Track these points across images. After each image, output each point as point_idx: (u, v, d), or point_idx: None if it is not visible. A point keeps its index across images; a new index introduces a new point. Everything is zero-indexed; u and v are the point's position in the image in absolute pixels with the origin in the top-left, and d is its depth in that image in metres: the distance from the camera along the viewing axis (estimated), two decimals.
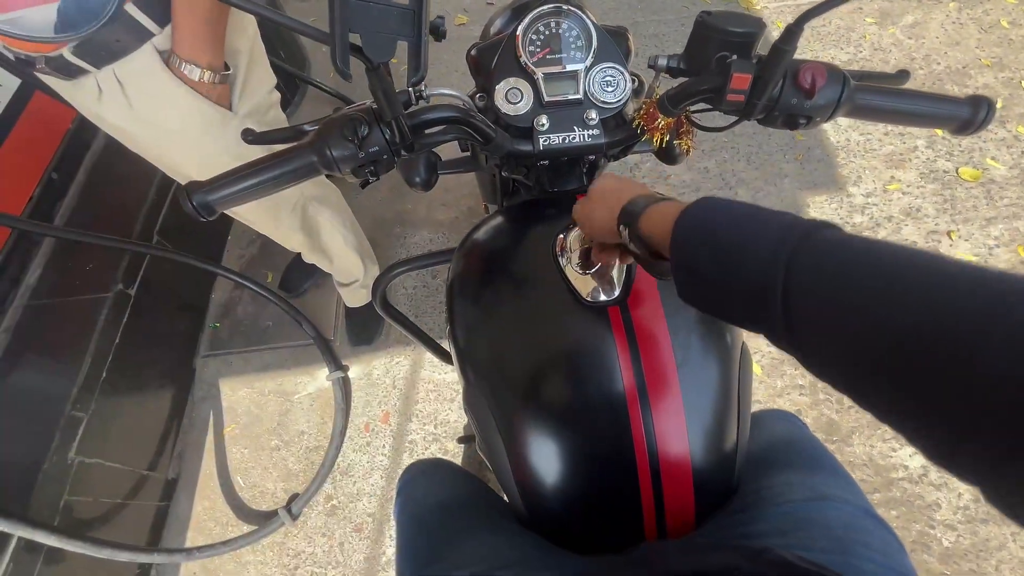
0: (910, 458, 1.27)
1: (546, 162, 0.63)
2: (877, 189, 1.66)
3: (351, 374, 1.51)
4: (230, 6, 0.35)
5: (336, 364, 1.46)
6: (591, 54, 0.59)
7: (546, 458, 0.53)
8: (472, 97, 0.63)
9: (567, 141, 0.58)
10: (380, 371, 1.51)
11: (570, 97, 0.59)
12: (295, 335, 1.53)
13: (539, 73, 0.59)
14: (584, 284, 0.53)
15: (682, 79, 0.53)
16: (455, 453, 1.37)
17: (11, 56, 0.75)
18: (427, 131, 0.52)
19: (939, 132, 1.76)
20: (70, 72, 0.77)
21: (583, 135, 0.58)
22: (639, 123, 0.56)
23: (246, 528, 1.33)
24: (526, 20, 0.60)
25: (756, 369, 1.41)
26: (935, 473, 1.24)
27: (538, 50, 0.60)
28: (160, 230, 1.49)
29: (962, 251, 1.52)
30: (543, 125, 0.58)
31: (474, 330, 0.59)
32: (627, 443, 0.50)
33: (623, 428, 0.50)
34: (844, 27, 2.07)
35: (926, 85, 1.88)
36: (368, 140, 0.47)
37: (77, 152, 1.47)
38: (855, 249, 0.30)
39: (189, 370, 1.55)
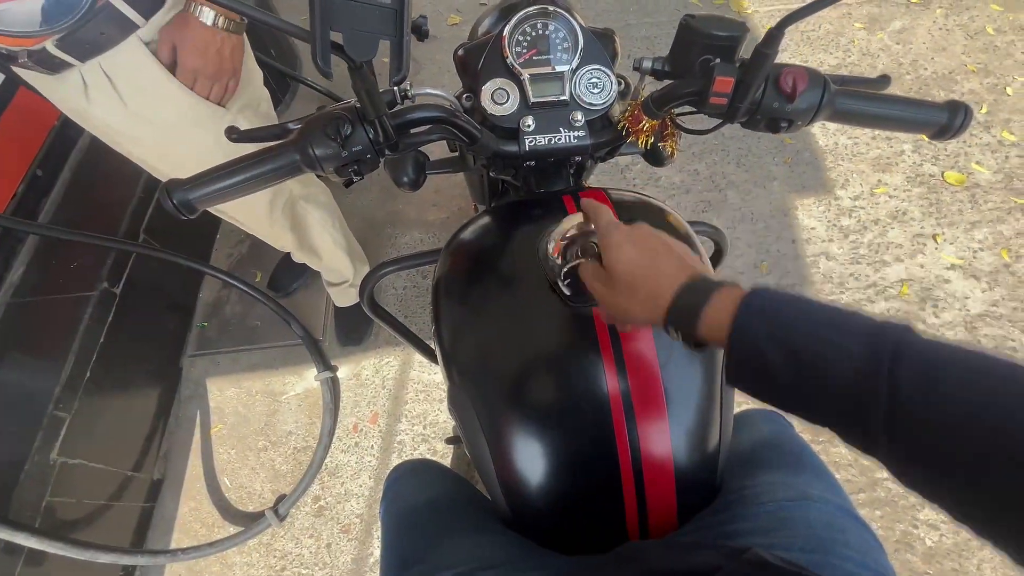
0: None
1: (532, 163, 0.63)
2: (864, 192, 1.68)
3: (340, 374, 1.50)
4: None
5: (324, 364, 1.45)
6: (577, 56, 0.60)
7: (529, 458, 0.53)
8: (459, 97, 0.63)
9: (553, 142, 0.58)
10: (369, 371, 1.50)
11: (556, 98, 0.59)
12: (283, 335, 1.52)
13: (525, 74, 0.59)
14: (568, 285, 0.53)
15: (666, 81, 0.53)
16: (444, 454, 1.36)
17: None
18: (412, 131, 0.52)
19: (924, 137, 1.78)
20: (53, 66, 0.75)
21: (569, 136, 0.58)
22: (624, 125, 0.56)
23: (232, 529, 1.32)
24: (513, 21, 0.60)
25: None
26: None
27: (525, 51, 0.60)
28: (147, 228, 1.47)
29: (947, 254, 1.54)
30: (529, 126, 0.58)
31: (459, 330, 0.59)
32: (610, 443, 0.50)
33: (606, 428, 0.50)
34: (833, 32, 2.10)
35: (913, 90, 1.90)
36: (351, 139, 0.47)
37: (63, 149, 1.45)
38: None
39: (176, 369, 1.54)
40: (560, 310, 0.53)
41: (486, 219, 0.65)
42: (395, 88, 0.55)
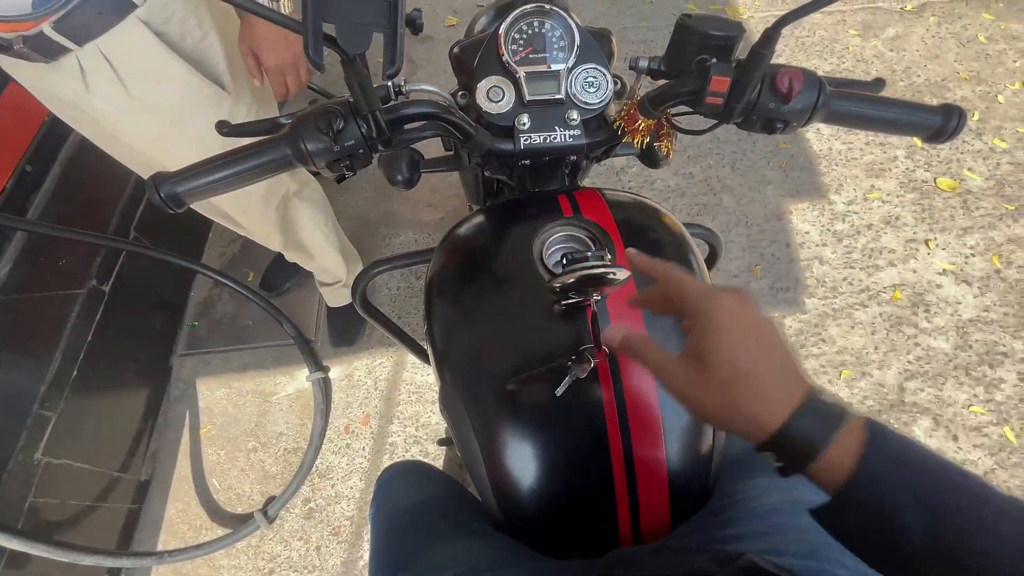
0: None
1: (527, 162, 0.62)
2: (858, 197, 1.69)
3: (332, 375, 1.48)
4: None
5: (316, 364, 1.44)
6: (574, 55, 0.59)
7: (521, 461, 0.52)
8: (454, 95, 0.62)
9: (548, 141, 0.58)
10: (362, 372, 1.49)
11: (552, 97, 0.58)
12: (275, 335, 1.50)
13: (521, 72, 0.58)
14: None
15: (663, 81, 0.53)
16: (436, 455, 1.35)
17: None
18: (405, 127, 0.51)
19: (917, 142, 1.79)
20: (50, 52, 0.73)
21: (564, 135, 0.58)
22: (620, 124, 0.56)
23: (220, 532, 1.31)
24: (509, 19, 0.59)
25: None
26: None
27: (521, 49, 0.60)
28: (137, 226, 1.46)
29: (939, 259, 1.55)
30: (524, 124, 0.58)
31: (451, 329, 0.59)
32: (603, 445, 0.49)
33: (599, 430, 0.49)
34: (828, 38, 2.11)
35: (906, 96, 1.92)
36: (344, 134, 0.46)
37: (53, 144, 1.43)
38: None
39: (165, 369, 1.52)
40: (554, 310, 0.52)
41: (480, 218, 0.65)
42: (389, 84, 0.54)
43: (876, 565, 0.32)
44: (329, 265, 1.33)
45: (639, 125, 0.54)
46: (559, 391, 0.46)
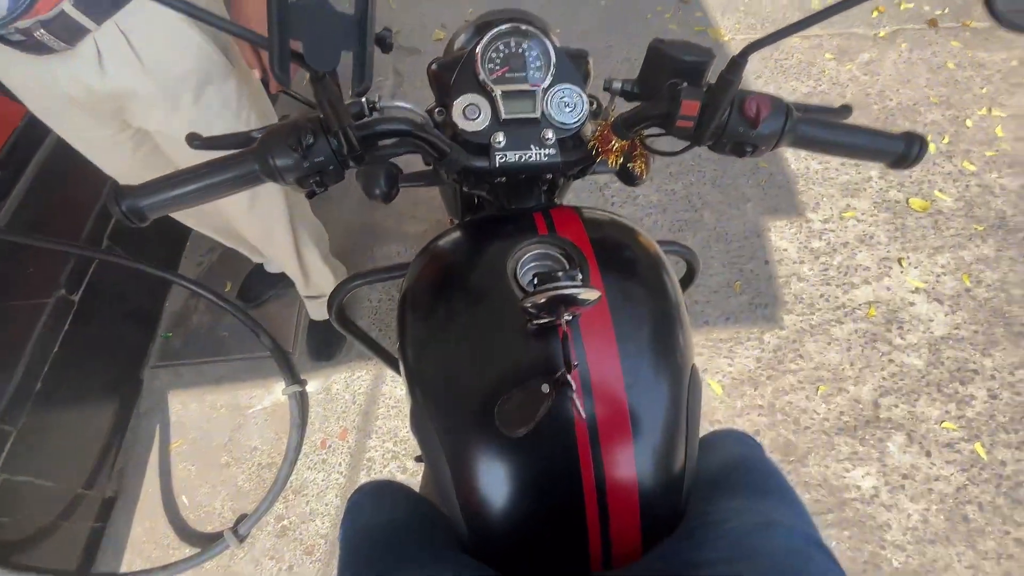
0: (862, 479, 1.30)
1: (503, 179, 0.62)
2: (834, 216, 1.73)
3: (309, 388, 1.46)
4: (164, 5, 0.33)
5: (293, 378, 1.41)
6: (550, 75, 0.60)
7: (491, 482, 0.51)
8: (431, 111, 0.62)
9: (523, 159, 0.58)
10: (340, 386, 1.47)
11: (528, 116, 0.59)
12: (252, 347, 1.47)
13: (497, 91, 0.59)
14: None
15: (636, 103, 0.53)
16: (414, 471, 1.33)
17: None
18: (379, 143, 0.51)
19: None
20: (71, 35, 0.73)
21: (539, 154, 0.58)
22: (594, 144, 0.56)
23: (187, 550, 1.26)
24: (486, 38, 0.60)
25: (717, 389, 1.43)
26: (885, 494, 1.27)
27: (497, 68, 0.60)
28: (112, 233, 1.42)
29: (912, 278, 1.58)
30: (500, 142, 0.58)
31: (423, 347, 0.58)
32: (574, 468, 0.49)
33: (570, 452, 0.49)
34: (805, 61, 2.17)
35: (880, 119, 1.98)
36: (313, 150, 0.45)
37: (27, 148, 1.40)
38: None
39: (136, 381, 1.48)
40: (526, 330, 0.52)
41: (456, 234, 0.64)
42: (363, 100, 0.54)
43: None
44: (320, 280, 1.32)
45: (613, 146, 0.54)
46: (537, 416, 0.46)
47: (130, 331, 1.51)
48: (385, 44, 0.45)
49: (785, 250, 1.66)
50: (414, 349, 0.58)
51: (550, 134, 0.58)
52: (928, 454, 1.32)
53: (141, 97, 0.83)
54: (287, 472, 1.31)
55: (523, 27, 0.60)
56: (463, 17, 2.42)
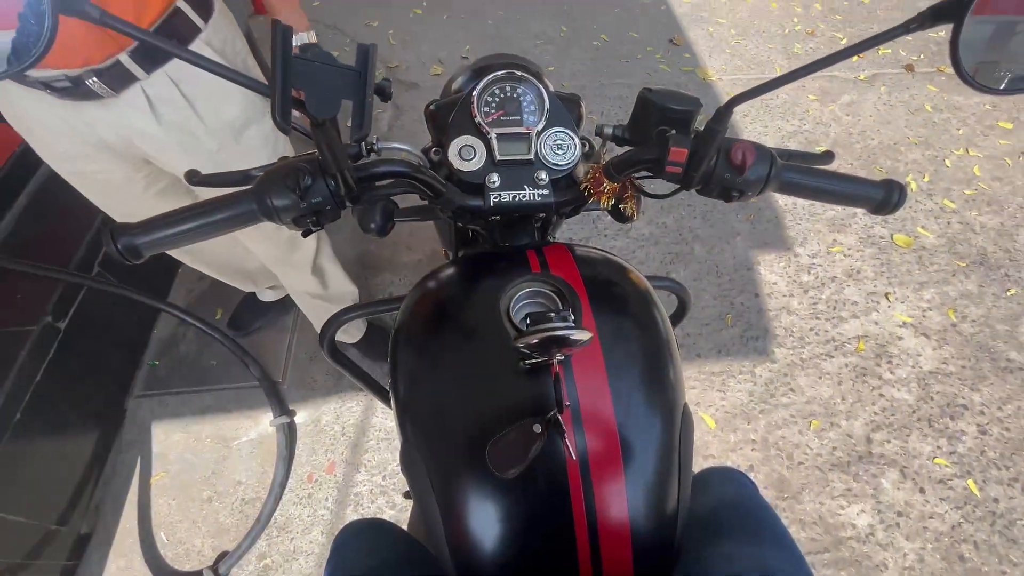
0: (857, 516, 1.28)
1: (498, 217, 0.64)
2: (821, 251, 1.76)
3: (298, 420, 1.43)
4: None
5: (282, 408, 1.39)
6: (544, 118, 0.62)
7: (481, 523, 0.50)
8: (427, 151, 0.64)
9: (517, 199, 0.59)
10: (329, 417, 1.44)
11: (522, 157, 0.60)
12: (240, 376, 1.45)
13: (493, 133, 0.60)
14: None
15: (626, 147, 0.55)
16: (403, 507, 1.30)
17: (40, 80, 0.72)
18: (376, 183, 0.52)
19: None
20: (121, 82, 0.76)
21: (533, 194, 0.60)
22: (587, 186, 0.58)
23: None
24: (483, 82, 0.62)
25: (710, 422, 1.42)
26: (881, 532, 1.26)
27: (493, 111, 0.62)
28: (103, 261, 1.42)
29: (899, 312, 1.61)
30: (494, 183, 0.59)
31: (415, 384, 0.58)
32: (566, 509, 0.48)
33: (562, 493, 0.48)
34: (790, 102, 2.26)
35: (862, 157, 2.04)
36: (311, 191, 0.46)
37: (21, 176, 1.41)
38: None
39: (119, 411, 1.44)
40: (519, 369, 0.52)
41: (450, 270, 0.65)
42: (361, 144, 0.56)
43: None
44: (338, 285, 1.34)
45: (604, 188, 0.56)
46: (529, 456, 0.45)
47: (116, 359, 1.48)
48: (385, 93, 0.47)
49: (775, 283, 1.69)
50: (405, 385, 0.58)
51: (543, 175, 0.60)
52: (922, 491, 1.31)
53: (186, 141, 0.86)
54: (271, 508, 1.27)
55: (518, 73, 0.62)
56: (460, 53, 2.50)
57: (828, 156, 0.58)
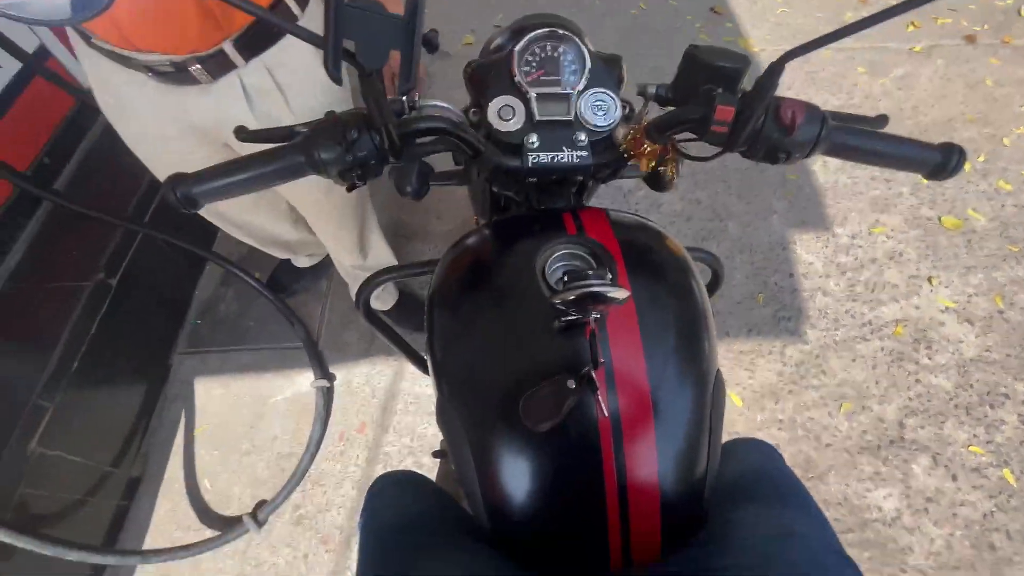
0: (884, 500, 1.27)
1: (534, 179, 0.64)
2: (862, 231, 1.70)
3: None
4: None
5: (323, 371, 1.44)
6: (584, 78, 0.61)
7: (515, 477, 0.52)
8: (466, 111, 0.64)
9: (555, 160, 0.59)
10: (360, 380, 1.49)
11: (561, 118, 0.60)
12: (278, 337, 1.51)
13: (532, 93, 0.60)
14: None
15: (669, 108, 0.54)
16: (430, 467, 1.34)
17: (145, 65, 0.75)
18: (417, 140, 0.52)
19: (924, 180, 1.80)
20: (220, 69, 0.78)
21: (571, 155, 0.59)
22: (626, 148, 0.57)
23: (207, 532, 1.29)
24: (523, 41, 0.61)
25: (737, 401, 1.41)
26: (908, 516, 1.24)
27: (533, 71, 0.61)
28: (150, 221, 1.48)
29: (942, 297, 1.55)
30: (533, 143, 0.59)
31: (452, 343, 0.59)
32: (596, 466, 0.49)
33: (593, 450, 0.49)
34: (837, 74, 2.15)
35: (913, 135, 1.93)
36: (357, 145, 0.47)
37: (73, 138, 1.47)
38: None
39: (164, 366, 1.52)
40: (554, 328, 0.53)
41: (485, 232, 0.66)
42: (404, 99, 0.56)
43: None
44: (380, 254, 1.36)
45: (645, 149, 0.55)
46: (562, 411, 0.47)
47: (161, 317, 1.56)
48: (432, 45, 0.47)
49: (811, 264, 1.64)
50: (442, 344, 0.60)
51: (582, 136, 0.59)
52: (954, 478, 1.28)
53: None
54: (307, 463, 1.33)
55: (559, 31, 0.62)
56: (492, 23, 2.45)
57: (882, 120, 0.56)
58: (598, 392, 0.48)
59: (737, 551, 0.49)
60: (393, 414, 1.44)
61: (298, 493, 1.34)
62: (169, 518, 1.34)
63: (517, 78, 0.60)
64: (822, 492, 1.28)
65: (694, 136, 0.53)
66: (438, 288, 0.63)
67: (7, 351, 1.16)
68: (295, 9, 0.81)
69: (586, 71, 0.61)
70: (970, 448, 1.31)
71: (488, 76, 0.62)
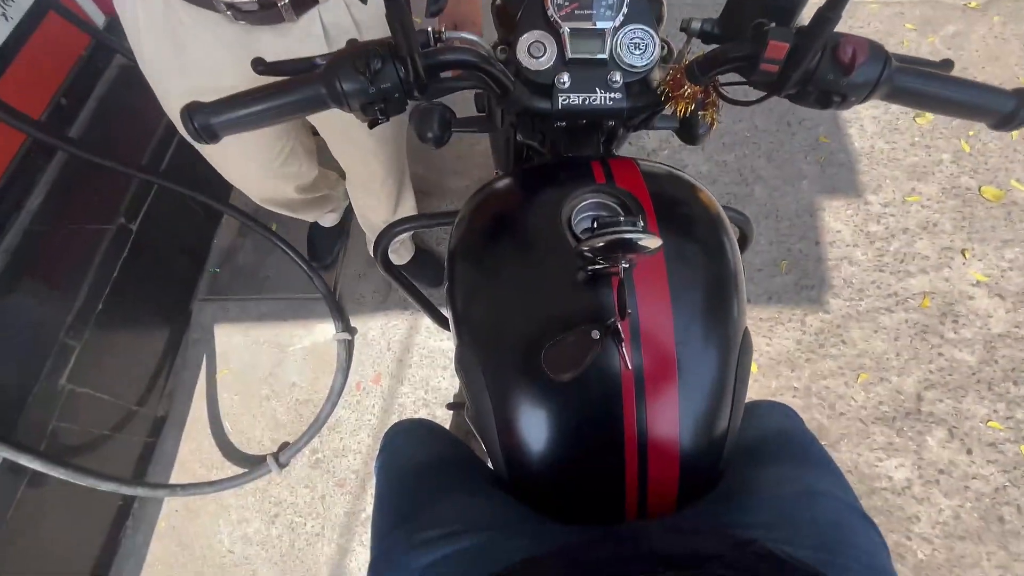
0: (895, 470, 1.27)
1: (563, 123, 0.61)
2: (896, 199, 1.63)
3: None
4: None
5: (344, 325, 1.45)
6: (621, 13, 0.56)
7: (533, 424, 0.52)
8: (493, 48, 0.60)
9: (587, 102, 0.56)
10: (376, 332, 1.50)
11: (595, 56, 0.56)
12: (295, 287, 1.52)
13: (565, 28, 0.56)
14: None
15: (714, 45, 0.50)
16: (444, 419, 1.37)
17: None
18: (442, 75, 0.49)
19: (966, 148, 1.71)
20: (303, 6, 0.75)
21: (605, 97, 0.56)
22: (665, 89, 0.53)
23: (230, 470, 1.35)
24: None
25: (752, 367, 1.40)
26: (919, 487, 1.24)
27: (567, 4, 0.57)
28: (166, 170, 1.47)
29: (974, 270, 1.49)
30: (564, 83, 0.56)
31: (473, 290, 0.58)
32: (617, 417, 0.49)
33: (615, 401, 0.49)
34: (883, 31, 2.01)
35: None
36: (380, 76, 0.45)
37: (89, 79, 1.44)
38: None
39: (185, 311, 1.55)
40: (579, 278, 0.51)
41: (509, 180, 0.63)
42: (429, 29, 0.53)
43: None
44: (409, 207, 1.33)
45: (684, 91, 0.52)
46: (586, 361, 0.46)
47: (181, 263, 1.57)
48: None
49: (839, 232, 1.59)
50: (464, 292, 0.59)
51: (617, 77, 0.56)
52: (969, 452, 1.27)
53: None
54: (328, 411, 1.37)
55: None
56: None
57: (947, 64, 0.51)
58: (623, 344, 0.47)
59: (758, 509, 0.49)
60: (408, 366, 1.45)
61: (315, 438, 1.38)
62: (193, 456, 1.40)
63: (550, 11, 0.56)
64: (835, 459, 1.28)
65: (739, 79, 0.49)
66: (460, 236, 0.62)
67: (34, 291, 1.19)
68: None
69: (624, 5, 0.56)
70: (988, 423, 1.30)
71: (518, 10, 0.59)
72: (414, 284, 0.92)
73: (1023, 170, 1.65)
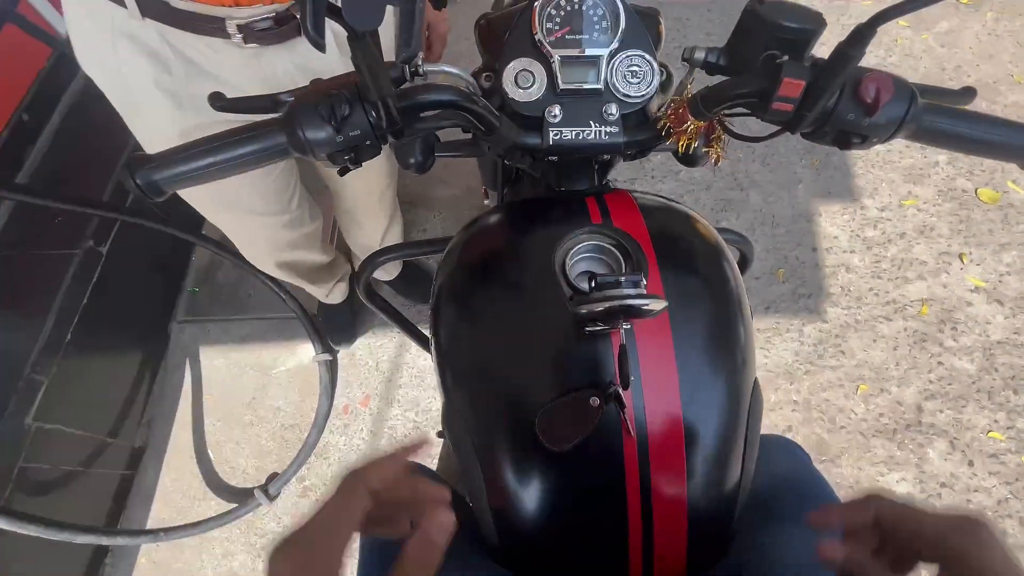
0: (897, 483, 1.24)
1: (555, 158, 0.56)
2: (892, 203, 1.60)
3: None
4: None
5: (324, 346, 1.40)
6: (617, 38, 0.52)
7: (528, 494, 0.47)
8: (477, 76, 0.55)
9: (581, 137, 0.51)
10: (364, 352, 1.45)
11: (588, 86, 0.51)
12: (277, 307, 1.46)
13: (556, 55, 0.51)
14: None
15: (720, 77, 0.45)
16: (435, 444, 1.32)
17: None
18: (421, 115, 0.44)
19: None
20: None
21: (599, 132, 0.51)
22: (666, 124, 0.49)
23: (214, 503, 1.30)
24: None
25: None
26: (920, 500, 1.22)
27: (557, 28, 0.52)
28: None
29: (972, 275, 1.47)
30: (555, 116, 0.51)
31: (460, 342, 0.53)
32: (619, 487, 0.45)
33: (616, 470, 0.45)
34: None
35: None
36: (348, 122, 0.39)
37: (52, 93, 1.36)
38: None
39: (164, 335, 1.49)
40: (575, 331, 0.47)
41: (498, 217, 0.59)
42: (403, 65, 0.48)
43: None
44: (396, 236, 1.28)
45: (688, 127, 0.47)
46: (585, 431, 0.41)
47: (157, 285, 1.51)
48: None
49: (835, 238, 1.56)
50: (449, 343, 0.54)
51: (613, 109, 0.51)
52: (970, 463, 1.25)
53: None
54: (316, 437, 1.31)
55: None
56: None
57: (969, 93, 0.47)
58: (625, 411, 0.43)
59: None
60: (397, 387, 1.40)
61: (303, 465, 1.33)
62: (175, 487, 1.34)
63: (538, 36, 0.51)
64: (833, 475, 1.26)
65: (747, 112, 0.45)
66: (446, 279, 0.57)
67: None
68: None
69: (620, 30, 0.51)
70: (989, 434, 1.28)
71: (504, 33, 0.54)
72: (399, 312, 0.88)
73: (1019, 171, 1.63)
